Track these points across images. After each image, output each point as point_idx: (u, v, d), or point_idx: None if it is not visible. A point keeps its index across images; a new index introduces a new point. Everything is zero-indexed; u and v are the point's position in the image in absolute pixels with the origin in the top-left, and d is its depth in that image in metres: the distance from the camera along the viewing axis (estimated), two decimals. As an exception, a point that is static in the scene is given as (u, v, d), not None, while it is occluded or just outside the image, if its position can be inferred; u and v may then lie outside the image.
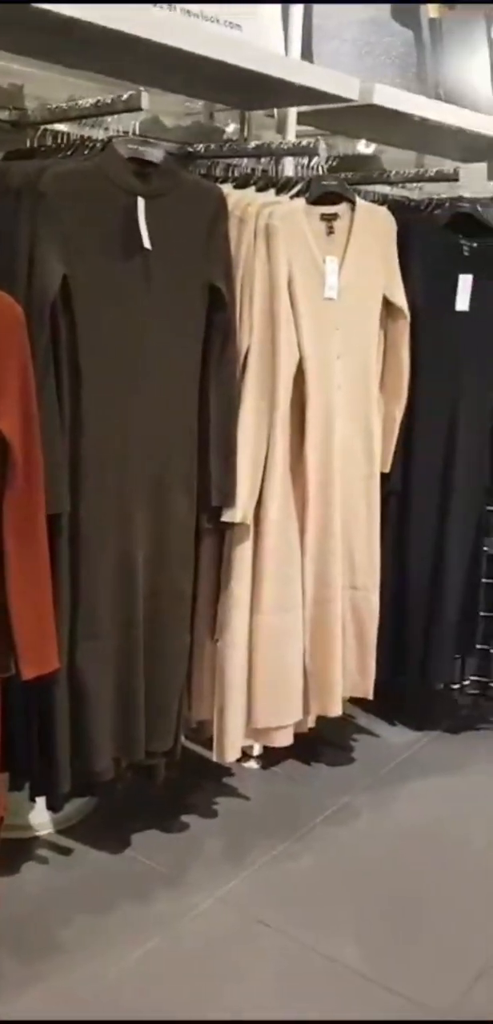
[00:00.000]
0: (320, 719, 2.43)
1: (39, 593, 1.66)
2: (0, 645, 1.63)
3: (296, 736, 2.39)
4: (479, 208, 2.54)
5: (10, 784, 1.90)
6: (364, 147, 3.21)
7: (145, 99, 1.80)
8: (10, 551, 1.60)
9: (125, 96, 1.83)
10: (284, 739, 2.32)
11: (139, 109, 1.82)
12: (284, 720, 2.29)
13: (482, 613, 2.82)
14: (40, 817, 2.22)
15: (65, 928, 1.95)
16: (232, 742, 2.22)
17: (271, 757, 2.61)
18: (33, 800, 2.02)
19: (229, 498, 2.07)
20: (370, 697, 2.47)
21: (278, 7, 2.19)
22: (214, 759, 2.25)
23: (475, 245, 2.48)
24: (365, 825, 2.43)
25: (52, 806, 1.99)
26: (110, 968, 1.85)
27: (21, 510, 1.61)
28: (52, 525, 1.73)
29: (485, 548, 2.77)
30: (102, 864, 2.18)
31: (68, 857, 2.20)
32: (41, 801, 2.01)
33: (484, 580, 2.80)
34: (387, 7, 2.53)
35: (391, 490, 2.47)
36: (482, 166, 3.03)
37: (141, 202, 1.81)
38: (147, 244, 1.82)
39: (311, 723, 2.42)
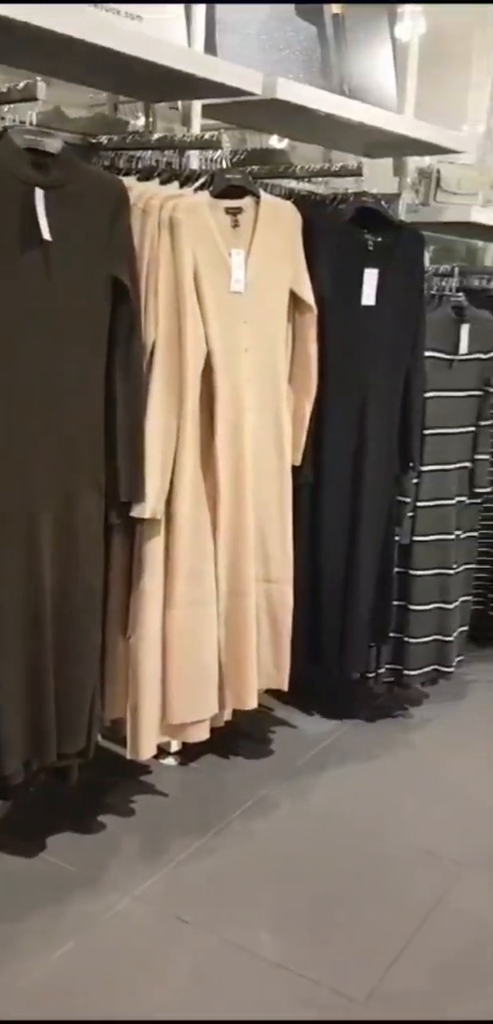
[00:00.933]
0: (237, 712, 2.44)
1: None
2: None
3: (213, 730, 2.39)
4: (384, 203, 2.58)
5: None
6: (277, 142, 3.24)
7: (41, 89, 1.77)
8: None
9: (21, 85, 1.80)
10: (200, 734, 2.32)
11: (35, 99, 1.79)
12: (199, 715, 2.29)
13: (395, 602, 2.87)
14: None
15: (-22, 936, 1.92)
16: (147, 739, 2.21)
17: (189, 753, 2.60)
18: None
19: (138, 493, 2.05)
20: (286, 688, 2.49)
21: (180, -2, 2.19)
22: (128, 757, 2.23)
23: (379, 240, 2.52)
24: (283, 816, 2.45)
25: (-38, 812, 1.95)
26: (26, 974, 1.82)
27: None
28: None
29: (396, 537, 2.82)
30: (15, 869, 2.14)
31: (-20, 863, 2.16)
32: None
33: (397, 569, 2.86)
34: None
35: (303, 482, 2.49)
36: (388, 162, 3.07)
37: (39, 193, 1.78)
38: (47, 236, 1.79)
39: (227, 716, 2.43)
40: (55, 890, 2.07)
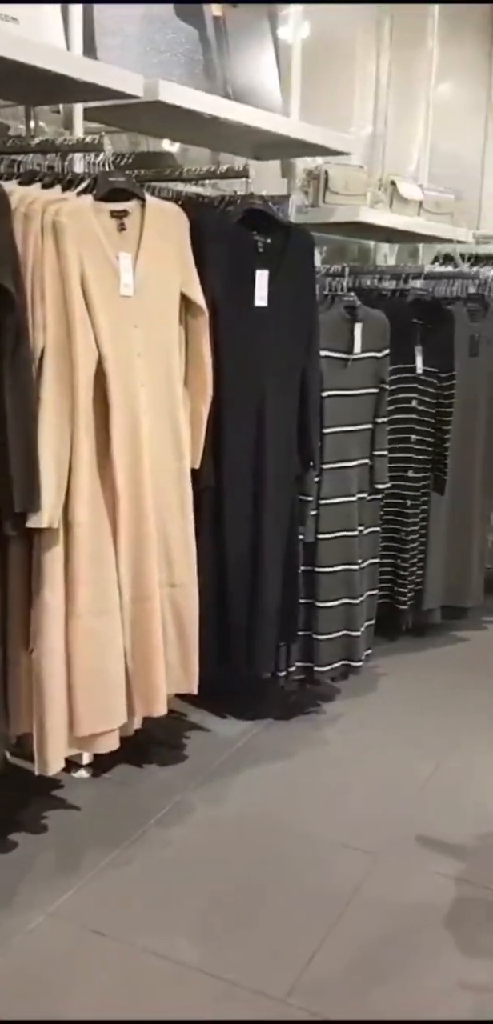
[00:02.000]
0: (149, 719, 2.42)
1: None
2: None
3: (125, 739, 2.37)
4: (273, 205, 2.60)
5: None
6: (169, 145, 3.23)
7: None
8: None
9: None
10: (109, 744, 2.29)
11: None
12: (108, 725, 2.26)
13: (302, 600, 2.89)
14: None
15: None
16: (54, 753, 2.17)
17: (101, 764, 2.57)
18: None
19: (33, 503, 2.02)
20: (195, 692, 2.48)
21: None
22: (36, 772, 2.19)
23: (269, 241, 2.54)
24: (198, 821, 2.44)
25: None
26: None
27: None
28: None
29: (300, 536, 2.84)
30: None
31: None
32: None
33: (302, 567, 2.88)
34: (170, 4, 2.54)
35: (204, 485, 2.49)
36: (277, 163, 3.10)
37: None
38: None
39: (137, 724, 2.40)
40: (-34, 915, 2.02)
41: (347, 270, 2.96)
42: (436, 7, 4.12)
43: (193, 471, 2.42)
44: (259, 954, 1.96)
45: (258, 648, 2.71)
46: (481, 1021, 1.81)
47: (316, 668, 2.98)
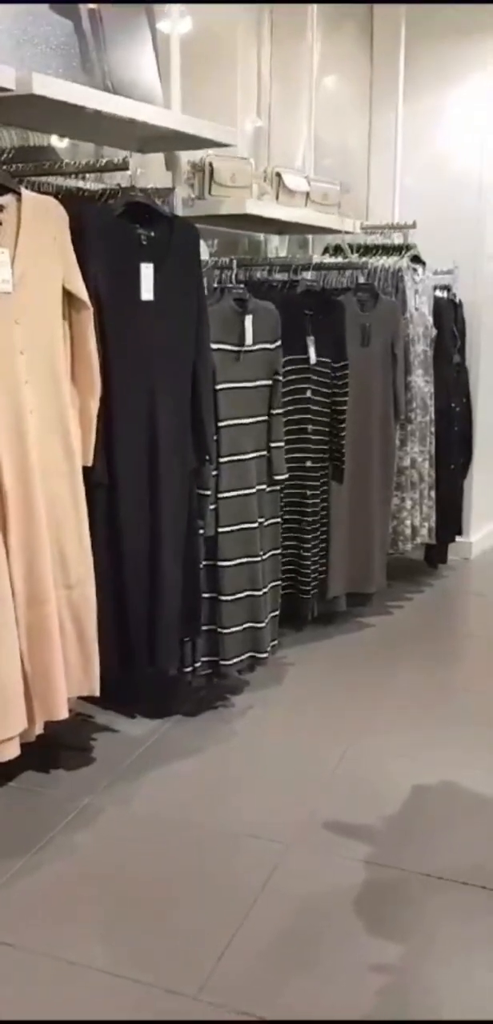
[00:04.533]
0: (54, 723, 2.37)
1: None
2: None
3: (30, 744, 2.33)
4: (158, 198, 2.59)
5: None
6: (58, 140, 3.17)
7: None
8: None
9: None
10: (9, 752, 2.24)
11: None
12: (6, 732, 2.21)
13: (205, 594, 2.89)
14: None
15: None
16: (-49, 765, 2.11)
17: (6, 771, 2.50)
18: None
19: None
20: (97, 694, 2.45)
21: None
22: None
23: (153, 234, 2.52)
24: (107, 823, 2.41)
25: None
26: None
27: None
28: None
29: (200, 530, 2.83)
30: None
31: None
32: None
33: (204, 562, 2.87)
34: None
35: (97, 482, 2.45)
36: (161, 156, 3.08)
37: None
38: None
39: (39, 730, 2.36)
40: None
41: (235, 262, 2.97)
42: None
43: (85, 469, 2.39)
44: (171, 954, 1.94)
45: (161, 645, 2.69)
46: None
47: (222, 662, 2.98)
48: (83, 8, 2.59)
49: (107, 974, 1.88)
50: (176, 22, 3.01)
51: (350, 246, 4.07)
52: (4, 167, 2.20)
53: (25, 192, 2.18)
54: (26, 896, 2.11)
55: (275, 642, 3.20)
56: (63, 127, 2.86)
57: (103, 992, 1.83)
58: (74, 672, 2.36)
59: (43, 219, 2.20)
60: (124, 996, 1.82)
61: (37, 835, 2.32)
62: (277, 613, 3.24)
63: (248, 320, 2.91)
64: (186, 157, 3.19)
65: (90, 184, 2.71)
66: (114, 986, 1.85)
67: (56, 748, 2.64)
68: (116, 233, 2.46)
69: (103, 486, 2.49)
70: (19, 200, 2.15)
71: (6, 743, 2.22)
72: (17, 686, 2.21)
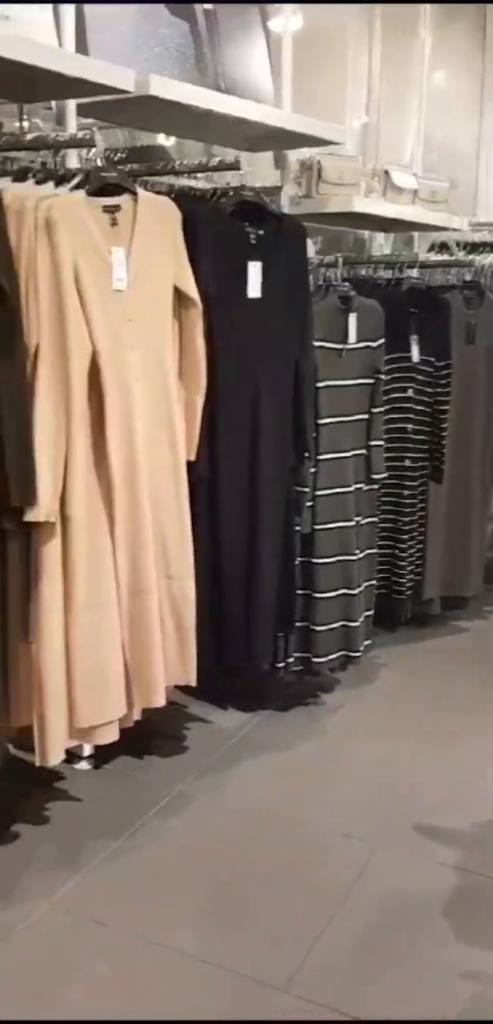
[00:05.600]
0: (149, 711, 2.43)
1: None
2: None
3: (125, 731, 2.38)
4: (266, 196, 2.61)
5: None
6: (164, 139, 3.24)
7: None
8: None
9: None
10: (109, 736, 2.30)
11: None
12: (107, 717, 2.27)
13: (300, 591, 2.90)
14: None
15: None
16: (54, 745, 2.18)
17: (102, 755, 2.59)
18: None
19: (30, 497, 2.03)
20: (193, 684, 2.49)
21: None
22: (37, 763, 2.20)
23: (261, 233, 2.54)
24: (198, 812, 2.45)
25: None
26: None
27: None
28: None
29: (297, 527, 2.85)
30: None
31: None
32: None
33: (300, 558, 2.89)
34: (161, -1, 2.54)
35: (199, 477, 2.50)
36: (270, 155, 3.10)
37: None
38: None
39: (137, 716, 2.42)
40: (-31, 904, 2.04)
41: (341, 260, 2.97)
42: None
43: (188, 463, 2.43)
44: (259, 944, 1.97)
45: (256, 640, 2.72)
46: (482, 1021, 1.81)
47: (315, 659, 2.99)
48: (199, 8, 2.63)
49: (195, 959, 1.93)
50: (288, 20, 3.02)
51: (457, 243, 4.01)
52: (119, 167, 2.26)
53: (141, 192, 2.23)
54: (119, 878, 2.17)
55: (368, 641, 3.19)
56: (174, 126, 2.91)
57: (191, 976, 1.88)
58: (172, 661, 2.41)
59: (158, 218, 2.25)
60: (211, 982, 1.86)
61: (131, 819, 2.38)
62: (371, 613, 3.23)
63: (352, 318, 2.91)
64: (295, 156, 3.20)
65: (201, 183, 2.75)
66: (202, 972, 1.89)
67: (150, 735, 2.71)
68: (226, 232, 2.49)
69: (205, 480, 2.53)
70: (135, 200, 2.20)
71: (105, 727, 2.28)
72: (118, 673, 2.27)
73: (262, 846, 2.32)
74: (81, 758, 2.58)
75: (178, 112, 2.54)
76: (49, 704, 2.16)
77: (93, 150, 2.17)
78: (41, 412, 2.05)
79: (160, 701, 2.36)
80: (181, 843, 2.32)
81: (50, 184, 2.13)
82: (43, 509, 2.07)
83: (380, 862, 2.26)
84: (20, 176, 2.15)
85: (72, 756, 2.45)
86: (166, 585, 2.38)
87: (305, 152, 3.22)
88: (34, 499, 2.04)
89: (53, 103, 2.40)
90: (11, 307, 1.95)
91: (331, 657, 3.03)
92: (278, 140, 2.95)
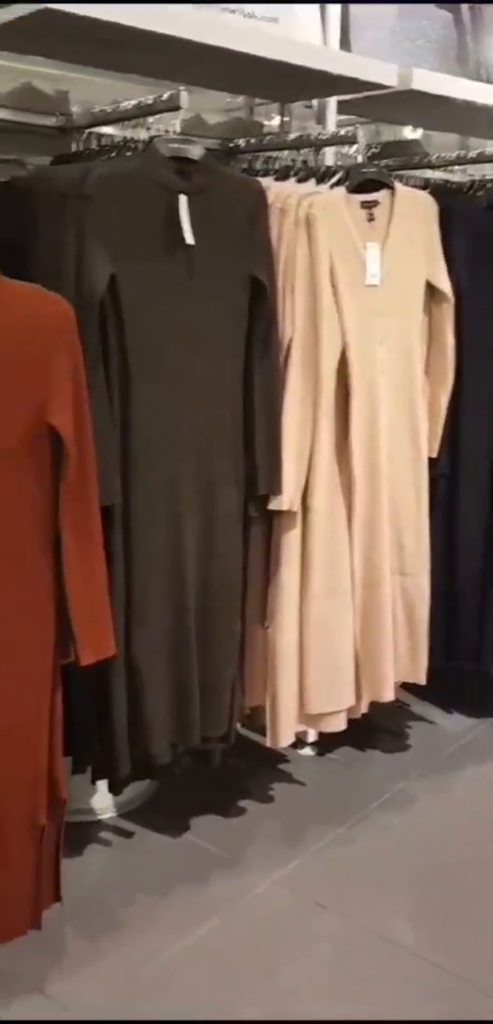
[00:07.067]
0: (374, 705, 2.45)
1: (95, 582, 1.71)
2: (60, 632, 1.69)
3: (350, 722, 2.40)
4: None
5: (72, 768, 1.97)
6: (411, 132, 3.21)
7: (184, 98, 1.84)
8: (67, 541, 1.65)
9: (165, 96, 1.87)
10: (337, 724, 2.34)
11: (178, 108, 1.86)
12: (337, 705, 2.31)
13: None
14: (102, 801, 2.29)
15: (126, 908, 2.01)
16: (285, 728, 2.25)
17: (326, 744, 2.63)
18: (94, 784, 2.08)
19: (275, 486, 2.10)
20: (423, 682, 2.48)
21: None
22: (267, 745, 2.28)
23: (520, 226, 2.47)
24: (421, 810, 2.44)
25: (113, 790, 2.04)
26: (168, 947, 1.91)
27: (76, 502, 1.66)
28: (105, 517, 1.78)
29: None
30: (161, 846, 2.24)
31: (129, 840, 2.26)
32: (102, 785, 2.07)
33: None
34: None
35: (439, 474, 2.47)
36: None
37: (183, 199, 1.85)
38: (190, 240, 1.86)
39: (364, 709, 2.43)
40: (199, 869, 2.15)
41: None
42: None
43: (428, 459, 2.41)
44: (477, 949, 1.94)
45: (488, 643, 2.66)
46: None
47: None
48: (464, -1, 2.59)
49: (415, 955, 1.92)
50: None
51: None
52: (375, 162, 2.27)
53: (399, 186, 2.23)
54: (341, 864, 2.21)
55: None
56: (431, 119, 2.88)
57: (408, 972, 1.88)
58: (402, 658, 2.41)
59: (414, 213, 2.24)
60: (429, 982, 1.85)
61: (353, 809, 2.41)
62: None
63: None
64: None
65: (456, 176, 2.70)
66: (420, 969, 1.88)
67: (373, 729, 2.72)
68: (482, 226, 2.44)
69: (445, 477, 2.50)
70: (393, 195, 2.20)
71: (334, 715, 2.32)
72: (349, 663, 2.30)
73: (484, 851, 2.27)
74: (305, 744, 2.63)
75: (436, 104, 2.51)
76: (282, 688, 2.23)
77: (354, 147, 2.19)
78: (290, 404, 2.11)
79: (389, 696, 2.37)
80: (403, 838, 2.32)
81: (311, 182, 2.18)
82: (287, 498, 2.13)
83: None
84: (282, 175, 2.22)
85: (297, 741, 2.51)
86: (400, 580, 2.38)
87: None
88: (279, 489, 2.11)
89: (314, 101, 2.44)
90: (268, 302, 2.02)
91: None
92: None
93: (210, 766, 2.17)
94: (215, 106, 2.59)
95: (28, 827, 1.67)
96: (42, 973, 1.81)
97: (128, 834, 2.28)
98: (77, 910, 1.94)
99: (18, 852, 1.66)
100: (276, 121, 2.73)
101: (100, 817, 2.31)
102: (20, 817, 1.66)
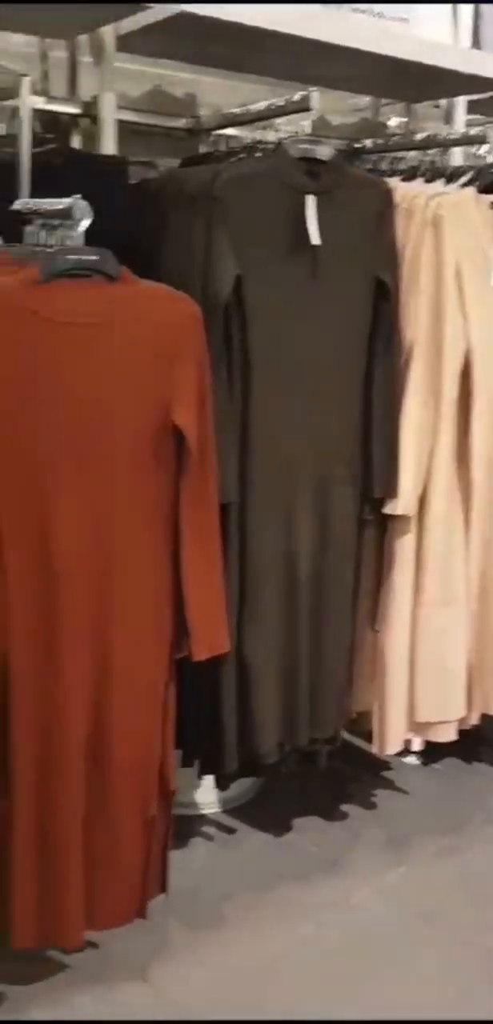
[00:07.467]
0: (484, 717, 2.40)
1: (212, 578, 1.72)
2: (176, 627, 1.71)
3: (458, 734, 2.37)
4: None
5: (181, 761, 1.99)
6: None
7: (316, 99, 1.84)
8: (186, 538, 1.67)
9: (296, 97, 1.88)
10: (447, 734, 2.30)
11: (309, 109, 1.86)
12: (447, 715, 2.27)
13: None
14: (207, 796, 2.32)
15: (228, 903, 2.03)
16: (393, 735, 2.22)
17: (431, 753, 2.59)
18: (201, 778, 2.10)
19: (392, 489, 2.08)
20: (538, 696, 2.41)
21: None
22: (374, 751, 2.26)
23: None
24: (530, 829, 2.38)
25: (219, 785, 2.06)
26: (268, 944, 1.91)
27: (197, 500, 1.68)
28: (222, 514, 1.79)
29: None
30: (264, 845, 2.25)
31: (232, 836, 2.28)
32: (209, 780, 2.09)
33: None
34: None
35: None
36: None
37: (311, 200, 1.84)
38: (316, 240, 1.85)
39: (475, 720, 2.38)
40: (300, 870, 2.15)
41: None
42: None
43: None
44: None
45: None
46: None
47: None
48: None
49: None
50: None
51: None
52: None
53: None
54: (446, 876, 2.17)
55: None
56: None
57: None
58: (516, 671, 2.35)
59: None
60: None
61: (458, 821, 2.37)
62: None
63: None
64: None
65: None
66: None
67: (479, 742, 2.65)
68: None
69: None
70: None
71: (444, 725, 2.28)
72: (461, 673, 2.26)
73: None
74: (410, 752, 2.60)
75: None
76: (391, 695, 2.20)
77: (484, 147, 2.15)
78: (410, 406, 2.09)
79: (502, 709, 2.32)
80: (510, 856, 2.27)
81: (439, 182, 2.14)
82: (403, 502, 2.10)
83: None
84: (409, 175, 2.19)
85: (402, 750, 2.48)
86: (517, 591, 2.32)
87: None
88: (395, 492, 2.09)
89: (441, 101, 2.41)
90: (392, 304, 2.00)
91: None
92: None
93: (314, 767, 2.17)
94: (339, 107, 2.58)
95: (140, 818, 1.70)
96: (145, 961, 1.84)
97: (231, 830, 2.30)
98: (181, 901, 1.96)
99: (130, 842, 1.69)
100: (395, 121, 2.71)
101: (204, 812, 2.34)
102: (135, 808, 1.69)
